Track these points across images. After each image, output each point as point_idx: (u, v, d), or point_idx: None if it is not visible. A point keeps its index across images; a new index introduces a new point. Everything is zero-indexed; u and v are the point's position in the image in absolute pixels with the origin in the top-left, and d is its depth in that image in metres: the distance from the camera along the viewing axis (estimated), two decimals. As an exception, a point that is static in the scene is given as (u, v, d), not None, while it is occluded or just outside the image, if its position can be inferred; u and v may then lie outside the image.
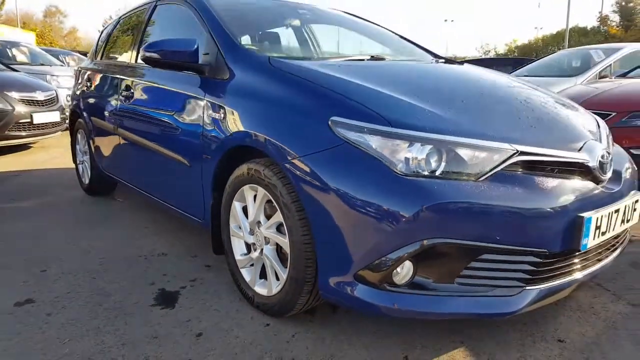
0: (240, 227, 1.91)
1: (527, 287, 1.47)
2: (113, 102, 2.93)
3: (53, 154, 5.71)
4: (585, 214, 1.49)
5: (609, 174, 1.68)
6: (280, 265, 1.73)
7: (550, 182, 1.49)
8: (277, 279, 1.75)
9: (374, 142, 1.44)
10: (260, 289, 1.84)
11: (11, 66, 6.64)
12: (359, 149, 1.45)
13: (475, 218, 1.38)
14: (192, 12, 2.42)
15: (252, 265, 1.90)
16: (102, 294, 2.04)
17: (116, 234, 2.81)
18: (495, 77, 2.17)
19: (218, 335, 1.70)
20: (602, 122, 2.10)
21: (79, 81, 3.74)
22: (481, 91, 1.87)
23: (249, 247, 1.91)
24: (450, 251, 1.41)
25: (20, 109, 5.42)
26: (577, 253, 1.55)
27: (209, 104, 1.99)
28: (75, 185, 3.95)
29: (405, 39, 2.99)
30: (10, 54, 8.15)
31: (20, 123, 5.44)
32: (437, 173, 1.40)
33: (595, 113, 3.54)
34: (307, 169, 1.52)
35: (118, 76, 2.93)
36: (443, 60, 2.64)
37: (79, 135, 3.78)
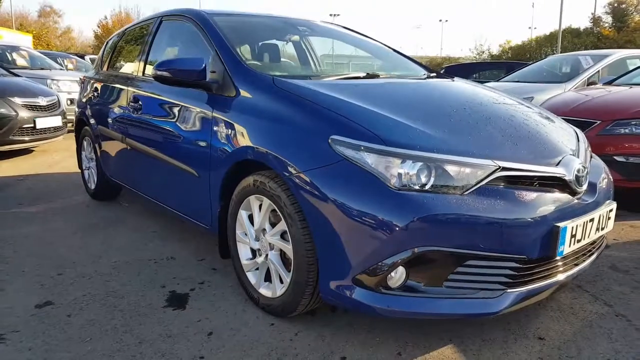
0: (246, 234, 2.06)
1: (508, 290, 1.63)
2: (122, 113, 3.07)
3: (55, 158, 5.84)
4: (561, 224, 1.65)
5: (584, 186, 1.84)
6: (284, 269, 1.89)
7: (530, 195, 1.66)
8: (281, 282, 1.91)
9: (370, 159, 1.60)
10: (265, 291, 1.99)
11: (12, 71, 6.75)
12: (356, 165, 1.61)
13: (461, 228, 1.54)
14: (197, 29, 2.56)
15: (257, 269, 2.05)
16: (116, 296, 2.18)
17: (125, 238, 2.95)
18: (482, 94, 2.33)
19: (227, 334, 1.85)
20: (582, 135, 2.26)
21: (86, 90, 3.87)
22: (468, 110, 2.03)
23: (254, 252, 2.06)
24: (438, 257, 1.57)
25: (24, 114, 5.54)
26: (554, 259, 1.71)
27: (217, 120, 2.14)
28: (80, 190, 4.09)
29: (398, 52, 3.14)
30: (10, 58, 8.25)
31: (24, 128, 5.56)
32: (427, 187, 1.56)
33: (581, 121, 3.75)
34: (309, 183, 1.68)
35: (126, 88, 3.06)
36: (434, 75, 2.80)
37: (85, 143, 3.92)
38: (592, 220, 1.79)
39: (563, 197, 1.74)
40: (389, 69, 2.89)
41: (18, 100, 5.57)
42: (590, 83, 5.68)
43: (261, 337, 1.84)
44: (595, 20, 30.91)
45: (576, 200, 1.78)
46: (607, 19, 31.31)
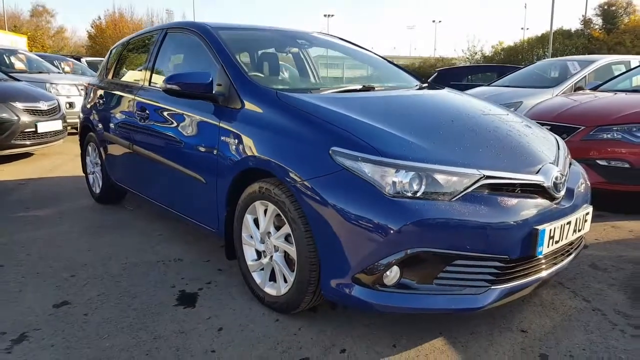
0: (251, 237, 2.21)
1: (493, 287, 1.80)
2: (128, 120, 3.20)
3: (55, 161, 5.95)
4: (540, 227, 1.82)
5: (562, 192, 2.01)
6: (288, 269, 2.04)
7: (512, 201, 1.83)
8: (285, 281, 2.06)
9: (367, 169, 1.76)
10: (270, 290, 2.14)
11: (12, 75, 6.84)
12: (354, 174, 1.77)
13: (449, 231, 1.71)
14: (202, 42, 2.71)
15: (262, 269, 2.21)
16: (129, 296, 2.33)
17: (133, 241, 3.10)
18: (469, 105, 2.51)
19: (236, 330, 2.01)
20: (562, 144, 2.43)
21: (91, 97, 3.99)
22: (456, 122, 2.20)
23: (259, 253, 2.22)
24: (429, 258, 1.73)
25: (25, 118, 5.65)
26: (534, 258, 1.88)
27: (224, 130, 2.29)
28: (83, 193, 4.21)
29: (392, 63, 3.31)
30: (8, 62, 8.32)
31: (25, 132, 5.67)
32: (419, 194, 1.73)
33: (566, 126, 3.94)
34: (312, 190, 1.84)
35: (133, 97, 3.20)
36: (426, 85, 2.97)
37: (89, 148, 4.04)
38: (569, 223, 1.97)
39: (542, 202, 1.91)
40: (383, 80, 3.06)
41: (20, 104, 5.68)
42: (577, 88, 5.89)
43: (267, 332, 1.99)
44: (586, 22, 31.30)
45: (554, 205, 1.95)
46: (598, 21, 31.72)
